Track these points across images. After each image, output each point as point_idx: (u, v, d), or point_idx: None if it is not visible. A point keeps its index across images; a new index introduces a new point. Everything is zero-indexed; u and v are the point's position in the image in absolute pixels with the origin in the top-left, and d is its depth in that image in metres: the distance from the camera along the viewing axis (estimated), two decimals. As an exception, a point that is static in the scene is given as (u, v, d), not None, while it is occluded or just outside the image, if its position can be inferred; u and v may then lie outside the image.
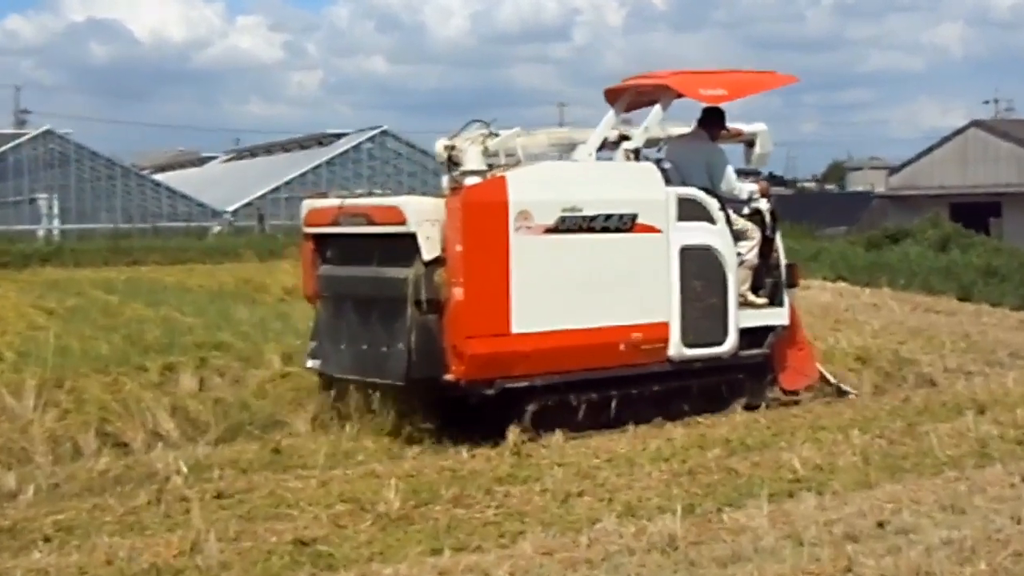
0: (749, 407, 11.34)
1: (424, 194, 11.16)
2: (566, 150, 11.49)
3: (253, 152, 68.14)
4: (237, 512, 7.89)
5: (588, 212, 10.39)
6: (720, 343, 11.14)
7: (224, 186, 56.27)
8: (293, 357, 12.13)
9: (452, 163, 10.92)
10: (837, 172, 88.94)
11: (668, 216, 10.85)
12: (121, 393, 10.76)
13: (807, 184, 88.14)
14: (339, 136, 56.86)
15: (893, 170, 54.31)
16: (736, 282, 11.22)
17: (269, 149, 65.39)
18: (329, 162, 53.72)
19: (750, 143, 12.63)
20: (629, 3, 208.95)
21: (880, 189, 54.18)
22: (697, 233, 11.01)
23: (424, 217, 9.99)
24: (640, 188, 10.93)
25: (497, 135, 10.96)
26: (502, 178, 10.16)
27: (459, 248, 9.83)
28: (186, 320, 15.01)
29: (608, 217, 10.51)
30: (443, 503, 8.00)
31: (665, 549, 6.87)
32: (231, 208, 51.54)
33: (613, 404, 10.63)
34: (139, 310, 16.59)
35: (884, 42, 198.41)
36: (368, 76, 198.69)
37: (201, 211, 51.28)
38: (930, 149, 50.86)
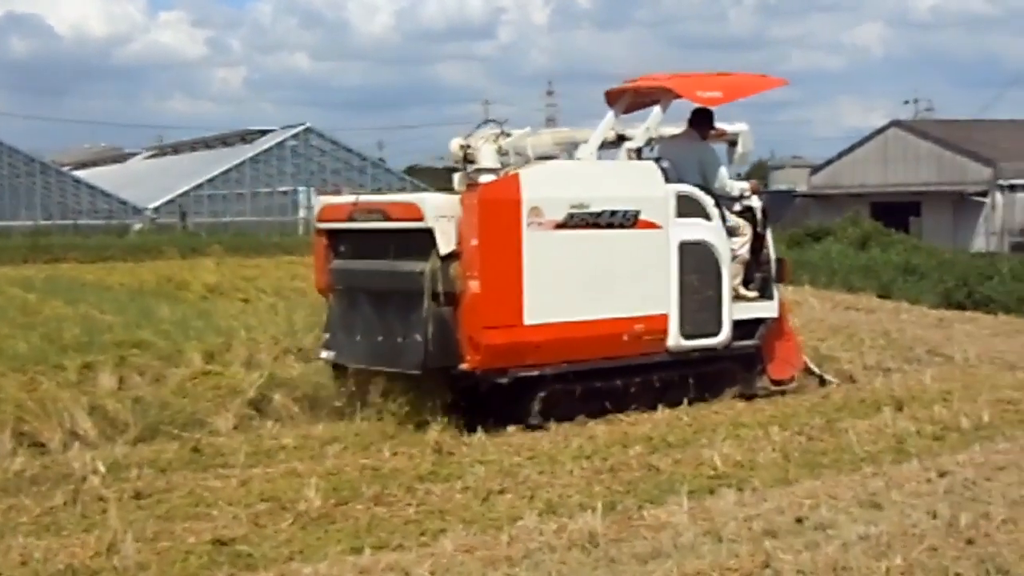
0: (742, 396, 11.79)
1: (436, 191, 11.67)
2: (568, 149, 11.98)
3: (176, 149, 67.78)
4: (155, 512, 7.81)
5: (594, 208, 10.81)
6: (715, 334, 11.58)
7: (146, 183, 55.89)
8: (215, 355, 12.07)
9: (467, 161, 11.44)
10: (760, 171, 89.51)
11: (668, 212, 11.28)
12: (38, 392, 10.59)
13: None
14: (263, 133, 56.64)
15: (815, 169, 54.76)
16: (730, 276, 11.67)
17: (192, 146, 65.06)
18: (253, 159, 53.47)
19: (732, 143, 13.03)
20: (554, 1, 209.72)
21: (802, 188, 54.61)
22: (694, 229, 11.44)
23: (440, 213, 10.35)
24: (642, 186, 11.34)
25: (509, 135, 11.49)
26: (515, 176, 10.58)
27: (475, 243, 10.21)
28: (106, 318, 14.86)
29: (613, 213, 10.94)
30: (364, 501, 7.97)
31: (585, 546, 6.89)
32: (153, 205, 51.18)
33: (607, 392, 11.00)
34: (58, 308, 16.43)
35: (806, 42, 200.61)
36: (292, 73, 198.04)
37: (122, 208, 50.88)
38: (851, 148, 51.37)
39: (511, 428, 10.41)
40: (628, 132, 12.08)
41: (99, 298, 17.90)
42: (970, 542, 6.71)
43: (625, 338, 11.02)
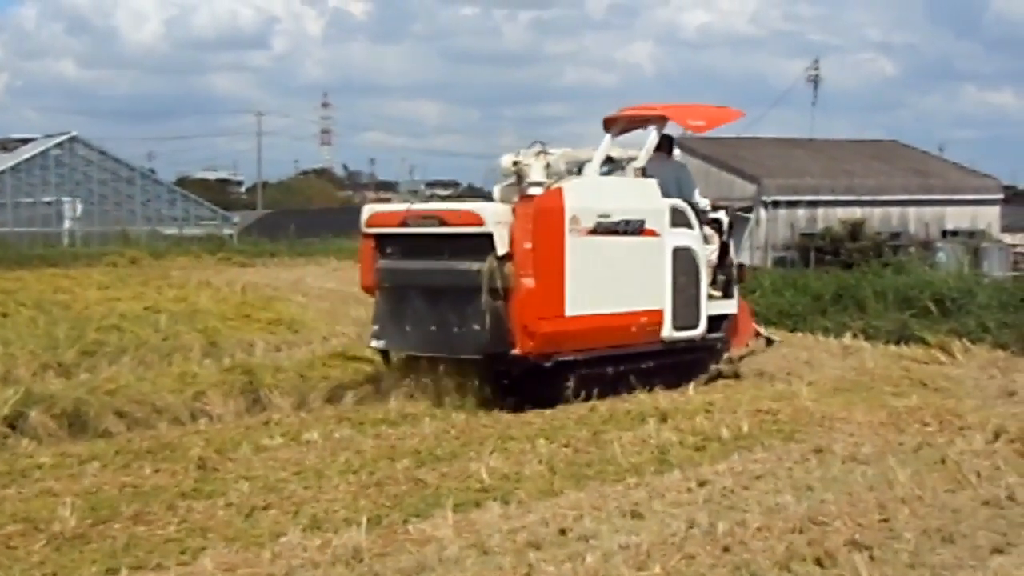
0: (708, 380, 13.69)
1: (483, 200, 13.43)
2: (574, 167, 13.30)
3: (-67, 156, 65.10)
4: (-102, 536, 7.45)
5: (614, 218, 12.67)
6: (695, 327, 13.56)
7: (-101, 191, 53.57)
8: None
9: (518, 175, 12.76)
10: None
11: (664, 223, 13.18)
12: None
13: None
14: (25, 141, 54.89)
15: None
16: (706, 278, 13.61)
17: (-50, 154, 62.56)
18: (14, 168, 51.78)
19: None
20: (328, 13, 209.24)
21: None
22: (682, 237, 13.38)
23: (498, 219, 11.99)
24: (646, 199, 13.19)
25: (550, 154, 12.84)
26: (559, 189, 12.26)
27: (528, 245, 11.90)
28: None
29: (627, 223, 12.83)
30: (122, 520, 7.73)
31: (350, 561, 6.83)
32: (-94, 214, 49.17)
33: (617, 376, 12.71)
34: None
35: (580, 58, 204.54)
36: (57, 80, 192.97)
37: None
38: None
39: (279, 441, 10.32)
40: (614, 154, 13.82)
41: None
42: (726, 549, 6.88)
43: (633, 329, 12.92)
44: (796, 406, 11.68)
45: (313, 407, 12.05)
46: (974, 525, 7.62)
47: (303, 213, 73.95)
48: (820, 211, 46.35)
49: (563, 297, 12.15)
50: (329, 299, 24.68)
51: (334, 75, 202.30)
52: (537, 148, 12.88)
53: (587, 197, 12.54)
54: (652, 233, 13.05)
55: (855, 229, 43.63)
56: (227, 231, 55.00)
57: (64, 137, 53.56)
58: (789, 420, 11.07)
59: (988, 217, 48.03)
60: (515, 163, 12.86)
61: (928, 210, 48.17)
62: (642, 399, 12.33)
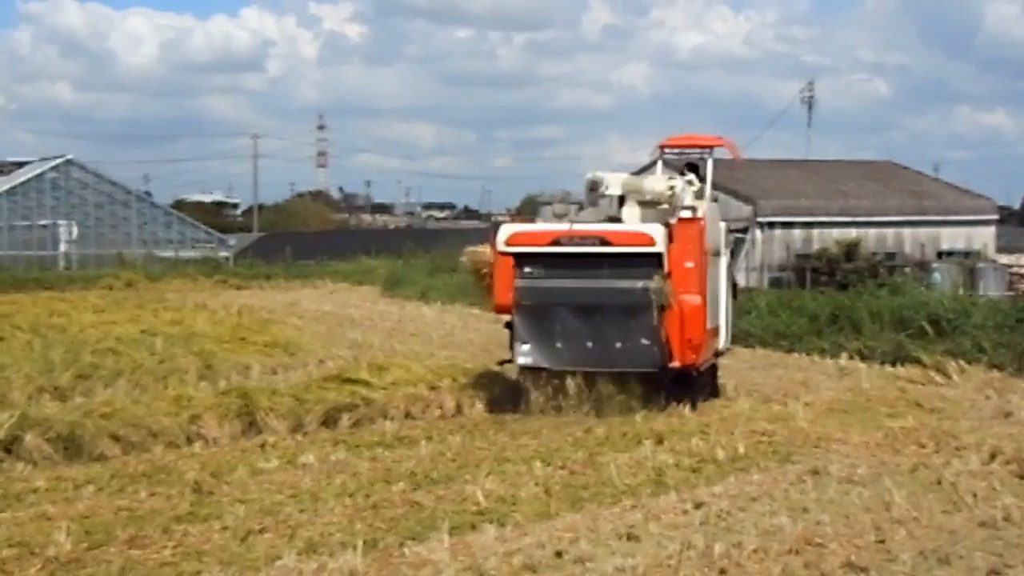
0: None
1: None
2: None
3: (-71, 180, 64.97)
4: None
5: (712, 242, 13.47)
6: (727, 340, 14.70)
7: None
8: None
9: (670, 200, 13.41)
10: (530, 206, 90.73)
11: (722, 244, 14.29)
12: None
13: (501, 218, 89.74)
14: (21, 164, 54.77)
15: (583, 206, 55.59)
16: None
17: (-55, 177, 62.43)
18: (10, 191, 51.59)
19: None
20: (323, 35, 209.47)
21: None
22: (727, 257, 14.57)
23: (664, 240, 12.62)
24: (719, 223, 14.28)
25: (694, 183, 13.90)
26: (703, 215, 13.15)
27: (691, 264, 12.80)
28: None
29: (717, 245, 13.85)
30: (118, 544, 7.73)
31: (345, 585, 6.82)
32: (-98, 238, 49.11)
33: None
34: None
35: (575, 80, 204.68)
36: (52, 103, 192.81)
37: None
38: (618, 185, 52.26)
39: (274, 464, 10.31)
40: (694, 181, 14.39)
41: None
42: (722, 572, 6.89)
43: (713, 341, 13.76)
44: (792, 427, 11.70)
45: (309, 430, 12.02)
46: (970, 546, 7.63)
47: (299, 235, 73.92)
48: (815, 232, 46.24)
49: (706, 312, 13.05)
50: (325, 322, 24.70)
51: (329, 98, 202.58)
52: (688, 175, 13.89)
53: (711, 221, 13.51)
54: (720, 254, 14.08)
55: (850, 250, 43.51)
56: (223, 254, 54.86)
57: (60, 160, 53.43)
58: (785, 441, 11.09)
59: (983, 237, 47.98)
60: (671, 188, 13.42)
61: (923, 231, 48.12)
62: (638, 421, 12.32)
